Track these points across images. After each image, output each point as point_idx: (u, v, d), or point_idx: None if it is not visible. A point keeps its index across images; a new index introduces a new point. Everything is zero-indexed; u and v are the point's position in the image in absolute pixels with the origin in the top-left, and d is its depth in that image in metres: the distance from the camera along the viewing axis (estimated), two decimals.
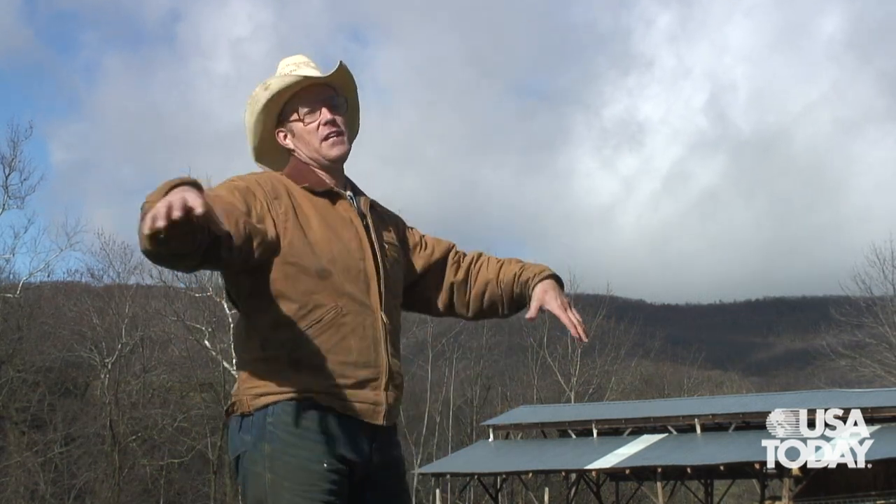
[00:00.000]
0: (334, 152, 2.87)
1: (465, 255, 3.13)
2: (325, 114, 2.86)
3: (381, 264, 2.81)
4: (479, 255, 3.13)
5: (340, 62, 2.88)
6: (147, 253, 2.39)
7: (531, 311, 2.92)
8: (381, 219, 2.97)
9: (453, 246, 3.13)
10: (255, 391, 2.69)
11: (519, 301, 3.03)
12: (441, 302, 3.09)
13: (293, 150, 2.91)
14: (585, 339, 2.89)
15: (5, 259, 37.17)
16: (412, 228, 3.12)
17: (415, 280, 3.05)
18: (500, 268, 3.06)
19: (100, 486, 33.76)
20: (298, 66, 2.90)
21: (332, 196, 2.85)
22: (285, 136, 2.91)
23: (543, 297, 2.92)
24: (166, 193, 2.30)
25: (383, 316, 2.77)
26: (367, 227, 2.85)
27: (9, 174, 35.17)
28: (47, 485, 31.44)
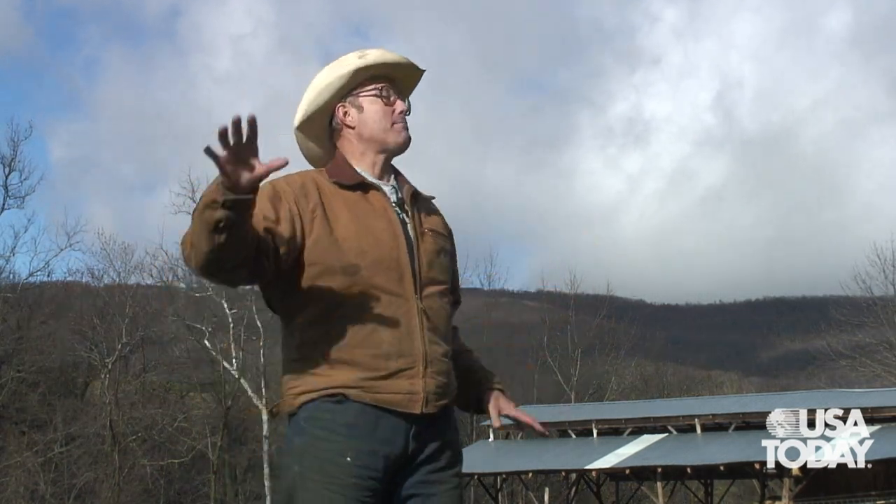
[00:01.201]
0: (403, 136, 2.88)
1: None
2: (401, 104, 2.90)
3: (417, 252, 2.82)
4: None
5: (423, 70, 2.94)
6: (205, 263, 2.54)
7: (495, 422, 2.94)
8: (426, 207, 2.96)
9: (455, 329, 3.10)
10: (294, 391, 2.76)
11: (463, 394, 2.99)
12: None
13: (348, 129, 2.89)
14: (545, 431, 3.09)
15: (5, 259, 37.22)
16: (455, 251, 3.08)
17: None
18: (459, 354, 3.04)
19: (100, 486, 33.76)
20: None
21: (365, 188, 2.84)
22: (346, 113, 2.89)
23: (499, 404, 2.97)
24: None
25: (419, 303, 2.78)
26: (402, 217, 2.85)
27: (9, 174, 35.27)
28: (47, 485, 31.45)
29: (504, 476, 34.18)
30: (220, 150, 2.42)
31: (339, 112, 2.88)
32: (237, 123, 2.39)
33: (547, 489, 34.02)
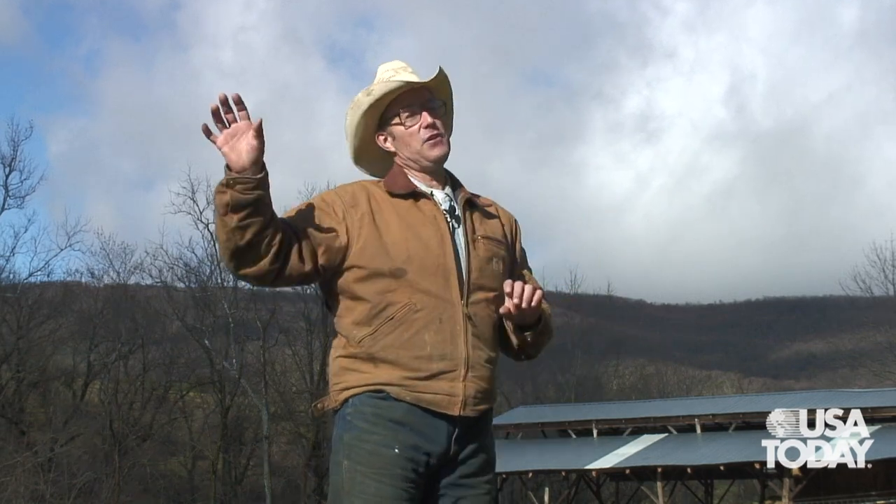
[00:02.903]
0: (435, 153, 3.01)
1: None
2: (426, 117, 3.01)
3: (467, 258, 2.92)
4: None
5: (440, 68, 3.03)
6: (228, 254, 2.73)
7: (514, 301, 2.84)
8: (482, 213, 3.06)
9: None
10: (338, 387, 2.89)
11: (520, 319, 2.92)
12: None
13: (394, 153, 3.05)
14: (518, 305, 2.82)
15: (5, 259, 37.22)
16: (521, 244, 3.16)
17: None
18: None
19: (100, 486, 33.75)
20: (397, 72, 3.03)
21: (416, 196, 2.97)
22: (385, 140, 3.06)
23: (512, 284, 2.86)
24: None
25: (465, 308, 2.87)
26: (451, 224, 2.96)
27: (9, 174, 35.25)
28: (47, 485, 31.41)
29: (504, 476, 34.16)
30: (215, 130, 2.69)
31: (381, 140, 3.06)
32: (224, 101, 2.66)
33: (547, 489, 34.02)
